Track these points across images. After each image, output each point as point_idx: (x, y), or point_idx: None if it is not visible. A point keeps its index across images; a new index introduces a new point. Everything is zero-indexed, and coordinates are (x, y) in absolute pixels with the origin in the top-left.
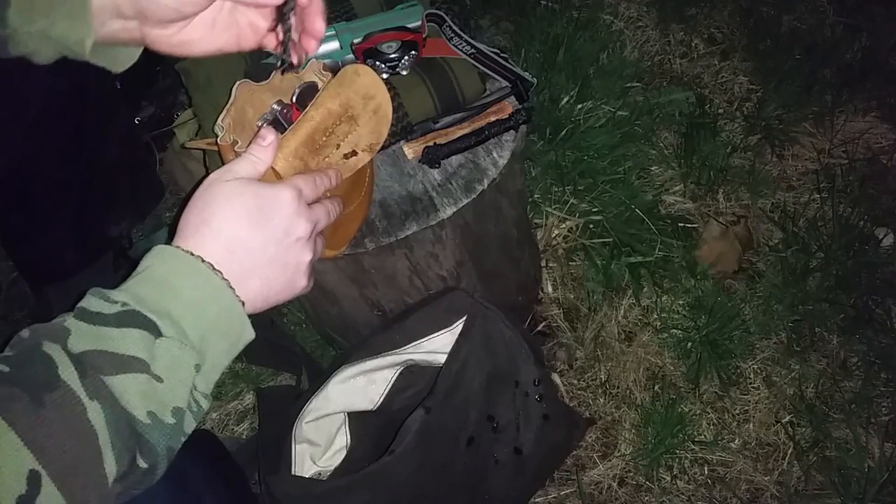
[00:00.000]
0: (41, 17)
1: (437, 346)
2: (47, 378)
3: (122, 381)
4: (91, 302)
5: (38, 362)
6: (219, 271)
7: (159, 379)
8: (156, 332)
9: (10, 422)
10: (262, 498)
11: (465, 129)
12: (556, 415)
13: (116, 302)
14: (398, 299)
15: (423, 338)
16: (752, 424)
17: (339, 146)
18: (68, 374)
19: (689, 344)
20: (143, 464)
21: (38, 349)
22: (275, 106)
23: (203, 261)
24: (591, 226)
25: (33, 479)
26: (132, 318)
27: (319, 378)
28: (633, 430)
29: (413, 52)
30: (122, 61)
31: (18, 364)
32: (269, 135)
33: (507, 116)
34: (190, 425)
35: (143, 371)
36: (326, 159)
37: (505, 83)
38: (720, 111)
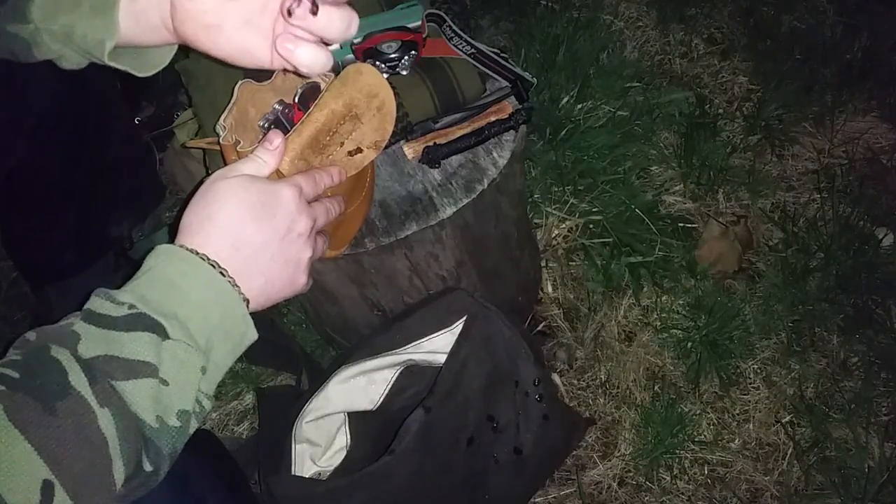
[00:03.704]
0: (66, 13)
1: (437, 346)
2: (58, 385)
3: (132, 386)
4: (97, 304)
5: (48, 368)
6: (224, 269)
7: (166, 383)
8: (163, 334)
9: (23, 431)
10: (262, 498)
11: (465, 129)
12: (556, 415)
13: (123, 304)
14: (398, 299)
15: (423, 338)
16: (752, 424)
17: (342, 144)
18: (79, 380)
19: (689, 344)
20: (148, 467)
21: (46, 354)
22: (276, 106)
23: (208, 260)
24: (591, 226)
25: (47, 490)
26: (140, 321)
27: (319, 378)
28: (633, 430)
29: (413, 52)
30: (148, 65)
31: (28, 370)
32: (277, 139)
33: (507, 116)
34: (193, 426)
35: (152, 375)
36: (330, 157)
37: (505, 83)
38: (720, 111)
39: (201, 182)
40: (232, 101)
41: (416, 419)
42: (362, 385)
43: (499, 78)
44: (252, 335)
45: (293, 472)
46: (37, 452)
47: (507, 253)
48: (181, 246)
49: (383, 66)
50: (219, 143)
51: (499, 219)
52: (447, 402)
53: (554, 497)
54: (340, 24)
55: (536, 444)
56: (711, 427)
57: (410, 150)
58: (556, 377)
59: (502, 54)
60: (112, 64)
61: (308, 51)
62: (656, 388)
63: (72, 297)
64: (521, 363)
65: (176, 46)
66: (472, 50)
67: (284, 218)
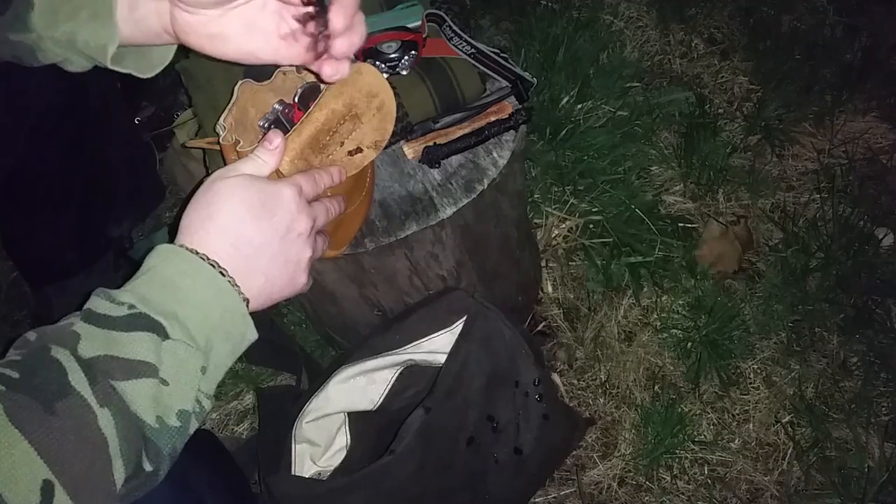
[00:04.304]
0: (66, 21)
1: (437, 346)
2: (58, 385)
3: (132, 386)
4: (97, 304)
5: (49, 369)
6: (224, 269)
7: (166, 382)
8: (163, 334)
9: (23, 431)
10: (262, 498)
11: (465, 129)
12: (556, 415)
13: (123, 304)
14: (398, 299)
15: (423, 338)
16: (752, 424)
17: (343, 143)
18: (78, 380)
19: (689, 344)
20: (148, 467)
21: (46, 354)
22: (276, 106)
23: (208, 259)
24: (591, 226)
25: (47, 490)
26: (140, 321)
27: (319, 378)
28: (633, 430)
29: (413, 52)
30: (151, 64)
31: (28, 370)
32: (276, 138)
33: (507, 116)
34: (193, 426)
35: (152, 375)
36: (330, 157)
37: (505, 83)
38: (720, 111)
39: (201, 182)
40: (232, 101)
41: (416, 419)
42: (362, 385)
43: (499, 78)
44: (252, 335)
45: (293, 472)
46: (37, 452)
47: (507, 253)
48: (181, 246)
49: (383, 66)
50: (219, 143)
51: (499, 219)
52: (447, 402)
53: (554, 497)
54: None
55: (536, 444)
56: (711, 427)
57: (410, 150)
58: (556, 377)
59: (502, 54)
60: (115, 68)
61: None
62: (656, 388)
63: (72, 297)
64: (521, 363)
65: (176, 45)
66: (472, 50)
67: (284, 218)
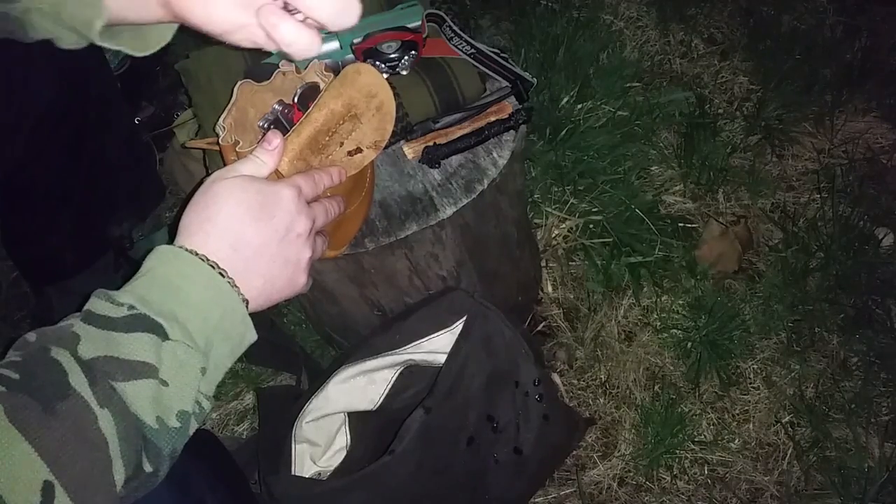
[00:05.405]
0: None
1: (437, 346)
2: (58, 386)
3: (132, 387)
4: (97, 305)
5: (49, 369)
6: (223, 270)
7: (166, 383)
8: (163, 335)
9: (23, 432)
10: (262, 498)
11: (465, 129)
12: (556, 415)
13: (123, 304)
14: (398, 299)
15: (423, 338)
16: (752, 424)
17: (342, 144)
18: (79, 381)
19: (689, 344)
20: (148, 468)
21: (46, 355)
22: (276, 106)
23: (207, 260)
24: (591, 226)
25: (47, 491)
26: (140, 322)
27: (319, 378)
28: (633, 430)
29: (413, 52)
30: (146, 44)
31: (28, 371)
32: (276, 139)
33: (507, 116)
34: (193, 427)
35: (152, 376)
36: (330, 157)
37: (505, 83)
38: (720, 111)
39: (201, 182)
40: (231, 102)
41: (416, 419)
42: (362, 385)
43: (499, 78)
44: (251, 336)
45: (293, 472)
46: (37, 453)
47: (507, 253)
48: (180, 247)
49: (383, 66)
50: (218, 143)
51: (499, 219)
52: (447, 402)
53: (554, 497)
54: (331, 5)
55: (536, 444)
56: (711, 427)
57: (410, 150)
58: (556, 377)
59: (502, 54)
60: (104, 44)
61: (291, 27)
62: (656, 388)
63: (72, 298)
64: (521, 363)
65: (176, 25)
66: (472, 50)
67: (283, 218)
